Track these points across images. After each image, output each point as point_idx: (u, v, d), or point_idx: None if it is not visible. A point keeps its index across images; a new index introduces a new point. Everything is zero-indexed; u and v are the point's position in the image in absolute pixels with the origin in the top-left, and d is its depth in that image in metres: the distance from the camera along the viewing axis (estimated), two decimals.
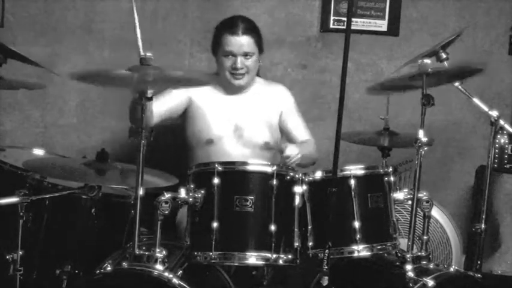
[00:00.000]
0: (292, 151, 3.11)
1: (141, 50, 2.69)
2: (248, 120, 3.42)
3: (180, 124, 3.47)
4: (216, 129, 3.38)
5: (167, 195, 2.61)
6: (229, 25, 3.35)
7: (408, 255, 2.82)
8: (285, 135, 3.51)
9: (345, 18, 3.98)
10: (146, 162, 2.54)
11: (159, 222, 2.59)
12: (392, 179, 2.88)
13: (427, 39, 4.06)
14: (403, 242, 2.92)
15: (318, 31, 4.10)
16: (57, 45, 3.95)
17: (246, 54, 3.33)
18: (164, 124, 3.41)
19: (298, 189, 2.75)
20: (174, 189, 2.69)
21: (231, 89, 3.41)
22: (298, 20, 4.09)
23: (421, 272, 2.79)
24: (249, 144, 3.39)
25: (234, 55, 3.32)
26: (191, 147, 3.43)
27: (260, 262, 2.68)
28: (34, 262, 2.87)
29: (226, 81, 3.38)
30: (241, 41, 3.31)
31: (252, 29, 3.36)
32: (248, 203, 2.66)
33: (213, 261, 2.66)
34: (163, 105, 3.30)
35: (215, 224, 2.64)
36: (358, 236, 2.75)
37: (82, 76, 2.70)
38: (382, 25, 4.11)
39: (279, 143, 3.46)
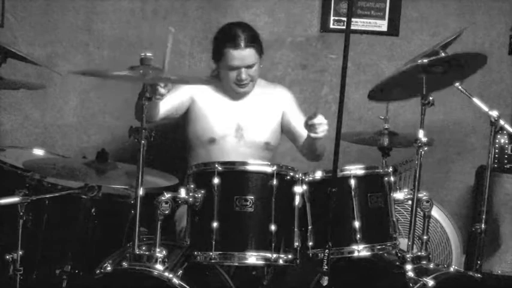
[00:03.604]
0: (322, 120, 3.09)
1: (166, 66, 2.70)
2: (250, 121, 3.42)
3: (181, 124, 3.47)
4: (218, 129, 3.38)
5: (167, 195, 2.61)
6: (231, 38, 3.30)
7: (408, 255, 2.82)
8: (290, 135, 3.50)
9: (345, 18, 3.98)
10: (146, 162, 2.55)
11: (159, 222, 2.60)
12: (392, 179, 2.88)
13: (427, 39, 4.07)
14: (403, 242, 2.92)
15: (318, 31, 4.10)
16: (57, 45, 3.95)
17: (249, 66, 3.33)
18: (163, 122, 3.40)
19: (298, 189, 2.75)
20: (174, 189, 2.69)
21: (235, 94, 3.42)
22: (298, 20, 4.08)
23: (421, 272, 2.79)
24: (250, 144, 3.40)
25: (238, 68, 3.32)
26: (192, 146, 3.44)
27: (260, 262, 2.68)
28: (34, 262, 2.87)
29: (231, 89, 3.39)
30: (245, 54, 3.30)
31: (253, 40, 3.33)
32: (248, 203, 2.66)
33: (213, 261, 2.66)
34: (168, 103, 3.28)
35: (215, 224, 2.64)
36: (358, 236, 2.75)
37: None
38: (382, 25, 4.11)
39: (278, 145, 3.53)
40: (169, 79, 2.77)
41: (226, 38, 3.34)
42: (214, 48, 3.40)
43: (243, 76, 3.32)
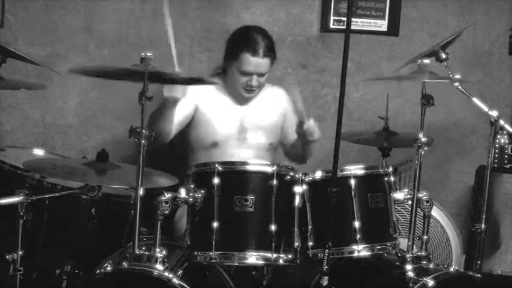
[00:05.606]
0: (313, 124, 3.26)
1: (175, 64, 2.83)
2: (253, 123, 3.43)
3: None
4: (221, 132, 3.38)
5: (167, 195, 2.61)
6: (251, 44, 3.28)
7: (408, 255, 2.82)
8: (281, 136, 3.55)
9: (345, 18, 3.98)
10: (146, 162, 2.54)
11: (159, 222, 2.60)
12: (392, 179, 2.88)
13: (427, 39, 4.07)
14: (403, 242, 2.92)
15: (318, 31, 4.10)
16: (57, 45, 3.94)
17: (261, 74, 3.33)
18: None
19: (298, 189, 2.75)
20: (174, 189, 2.69)
21: (239, 98, 3.42)
22: (298, 20, 4.08)
23: (421, 272, 2.79)
24: (253, 146, 3.41)
25: (251, 74, 3.32)
26: (194, 149, 3.43)
27: (260, 262, 2.68)
28: (34, 262, 2.87)
29: (238, 92, 3.39)
30: (261, 63, 3.29)
31: (271, 49, 3.33)
32: (248, 203, 2.66)
33: (213, 261, 2.66)
34: (179, 117, 3.26)
35: (215, 224, 2.64)
36: (358, 236, 2.75)
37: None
38: (382, 25, 4.11)
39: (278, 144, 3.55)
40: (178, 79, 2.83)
41: (245, 42, 3.32)
42: (229, 49, 3.39)
43: (254, 83, 3.32)
